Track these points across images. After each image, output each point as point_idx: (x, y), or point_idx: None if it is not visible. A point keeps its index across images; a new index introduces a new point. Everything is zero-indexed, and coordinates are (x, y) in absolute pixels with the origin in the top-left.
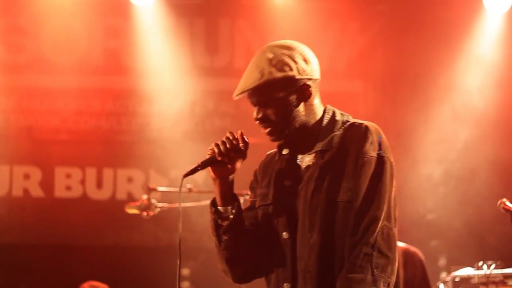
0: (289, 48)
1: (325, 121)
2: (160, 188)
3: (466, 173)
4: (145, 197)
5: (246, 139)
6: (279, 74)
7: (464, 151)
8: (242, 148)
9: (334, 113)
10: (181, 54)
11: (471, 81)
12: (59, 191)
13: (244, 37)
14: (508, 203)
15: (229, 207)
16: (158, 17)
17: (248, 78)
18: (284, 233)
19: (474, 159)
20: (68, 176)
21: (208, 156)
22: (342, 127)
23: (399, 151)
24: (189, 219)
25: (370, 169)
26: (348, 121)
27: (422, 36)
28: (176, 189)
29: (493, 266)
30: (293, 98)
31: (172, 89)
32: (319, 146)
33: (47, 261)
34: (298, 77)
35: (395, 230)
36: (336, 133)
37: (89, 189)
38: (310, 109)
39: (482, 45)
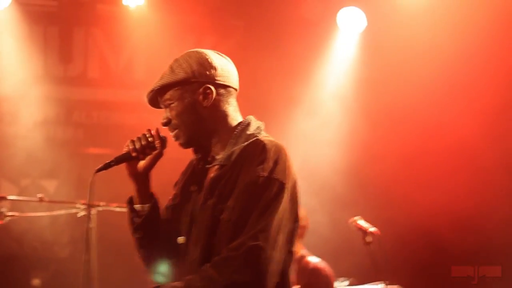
0: (193, 54)
1: (236, 132)
2: (10, 197)
3: (322, 184)
4: None
5: (162, 137)
6: (175, 77)
7: (318, 164)
8: (158, 146)
9: (248, 125)
10: (34, 62)
11: (327, 94)
12: None
13: (98, 47)
14: (360, 222)
15: (147, 205)
16: (11, 23)
17: (155, 81)
18: (180, 237)
19: (328, 170)
20: None
21: (123, 152)
22: (246, 142)
23: None
24: (40, 229)
25: (254, 189)
26: (255, 136)
27: (278, 52)
28: (26, 198)
29: (345, 282)
30: (191, 101)
31: (23, 97)
32: (220, 159)
33: None
34: (194, 79)
35: (274, 253)
36: (237, 148)
37: None
38: (218, 116)
39: (337, 62)
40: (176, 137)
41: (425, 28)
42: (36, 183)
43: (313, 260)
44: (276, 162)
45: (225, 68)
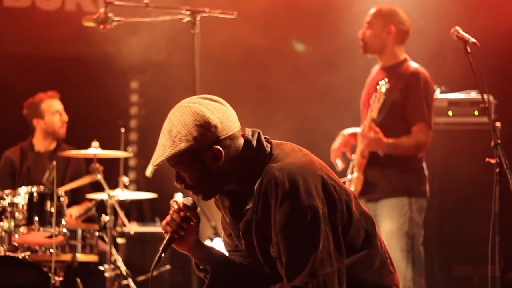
0: (188, 116)
1: (249, 168)
2: (117, 2)
3: None
4: (102, 10)
5: (191, 205)
6: (177, 149)
7: None
8: (191, 215)
9: (254, 152)
10: None
11: None
12: (8, 0)
13: None
14: (461, 31)
15: (208, 267)
16: None
17: (156, 152)
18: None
19: None
20: None
21: (165, 238)
22: (260, 179)
23: None
24: (148, 33)
25: (290, 225)
26: (265, 164)
27: None
28: (132, 4)
29: (438, 90)
30: (202, 164)
31: None
32: (248, 204)
33: None
34: (198, 145)
35: (339, 264)
36: (256, 186)
37: None
38: (233, 165)
39: None
40: (195, 194)
41: None
42: None
43: (414, 64)
44: (295, 191)
45: (224, 118)
